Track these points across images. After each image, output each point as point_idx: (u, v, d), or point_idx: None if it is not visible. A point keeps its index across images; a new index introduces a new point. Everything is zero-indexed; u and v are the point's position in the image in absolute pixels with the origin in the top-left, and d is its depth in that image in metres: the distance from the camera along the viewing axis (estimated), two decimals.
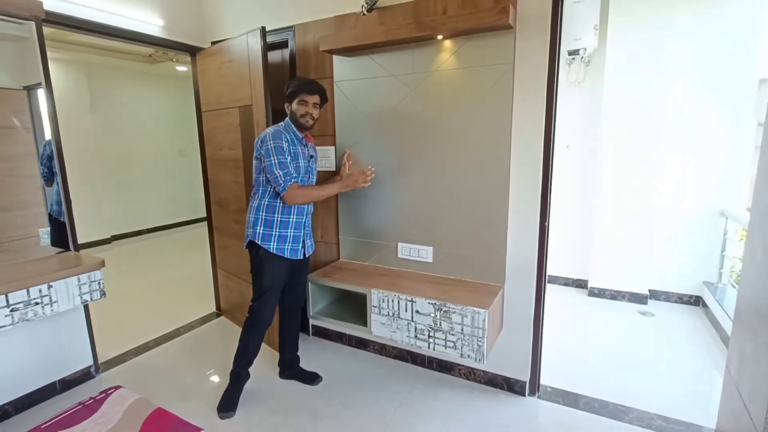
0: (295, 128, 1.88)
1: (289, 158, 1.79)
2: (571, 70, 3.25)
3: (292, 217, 1.89)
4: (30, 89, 2.11)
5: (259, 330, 1.95)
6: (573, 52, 2.99)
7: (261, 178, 1.87)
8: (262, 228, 1.87)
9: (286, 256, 1.90)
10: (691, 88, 2.94)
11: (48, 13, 1.96)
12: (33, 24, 1.92)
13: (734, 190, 2.96)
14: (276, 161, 1.76)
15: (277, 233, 1.87)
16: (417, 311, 1.84)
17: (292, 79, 1.97)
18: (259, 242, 1.86)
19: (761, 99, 2.86)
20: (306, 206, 1.93)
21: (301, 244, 1.94)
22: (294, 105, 1.85)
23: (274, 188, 1.82)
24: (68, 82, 4.76)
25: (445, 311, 1.78)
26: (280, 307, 2.06)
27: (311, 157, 1.98)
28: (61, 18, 2.07)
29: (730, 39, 2.81)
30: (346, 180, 1.98)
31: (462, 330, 1.75)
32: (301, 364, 2.22)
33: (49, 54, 2.03)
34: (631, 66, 2.97)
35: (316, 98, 1.86)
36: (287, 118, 1.91)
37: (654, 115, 2.97)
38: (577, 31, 2.85)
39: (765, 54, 2.79)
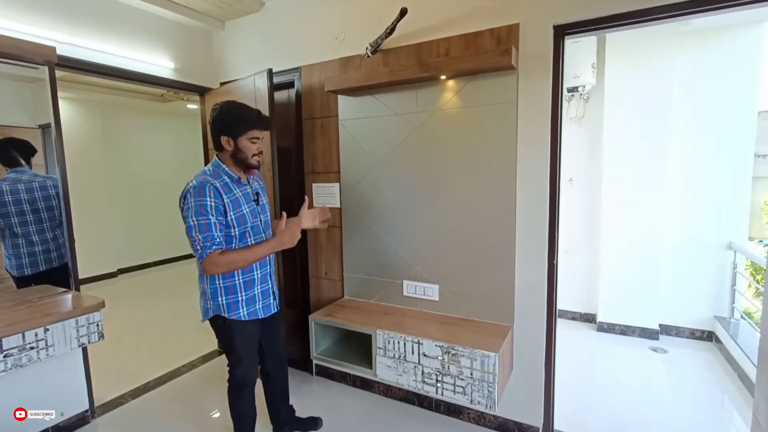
0: (229, 169, 1.56)
1: (213, 219, 1.45)
2: (570, 106, 3.31)
3: (255, 273, 1.63)
4: (44, 128, 2.15)
5: (246, 392, 1.72)
6: (572, 90, 3.05)
7: None
8: (224, 298, 1.58)
9: (260, 317, 1.67)
10: (690, 121, 2.98)
11: (61, 58, 2.02)
12: (46, 68, 1.98)
13: (737, 221, 2.94)
14: (195, 223, 1.43)
15: (243, 298, 1.61)
16: (424, 354, 1.78)
17: (227, 107, 1.54)
18: (226, 315, 1.59)
19: (761, 131, 2.89)
20: (262, 232, 1.65)
21: (272, 296, 1.73)
22: (242, 141, 1.52)
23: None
24: (83, 120, 4.88)
25: (453, 354, 1.72)
26: (261, 366, 1.84)
27: (257, 195, 1.66)
28: (74, 62, 2.13)
29: (728, 73, 2.87)
30: (281, 236, 1.58)
31: (471, 374, 1.69)
32: (304, 406, 2.12)
33: (65, 93, 2.09)
34: (629, 101, 3.02)
35: (267, 133, 1.59)
36: (216, 158, 1.57)
37: (654, 148, 2.99)
38: (576, 69, 2.93)
39: (763, 87, 2.85)
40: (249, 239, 1.59)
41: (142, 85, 2.55)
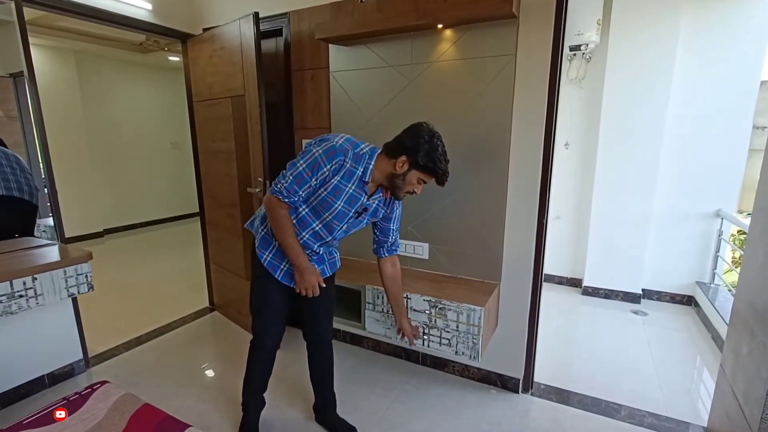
0: (371, 171, 1.39)
1: (313, 181, 1.35)
2: (571, 66, 3.19)
3: (303, 233, 1.46)
4: (16, 76, 2.04)
5: (260, 355, 1.65)
6: (574, 48, 2.93)
7: None
8: (264, 229, 1.51)
9: (277, 277, 1.52)
10: (692, 89, 2.90)
11: None
12: (12, 4, 1.83)
13: (729, 193, 2.94)
14: (300, 168, 1.34)
15: (276, 244, 1.49)
16: (412, 308, 1.81)
17: (434, 139, 1.38)
18: (256, 244, 1.54)
19: (761, 101, 2.84)
20: (331, 234, 1.48)
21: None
22: (413, 174, 1.38)
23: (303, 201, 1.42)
24: (57, 70, 4.60)
25: (440, 308, 1.76)
26: (304, 337, 1.73)
27: (365, 210, 1.47)
28: None
29: (734, 40, 2.77)
30: (309, 272, 1.44)
31: (457, 327, 1.73)
32: (293, 360, 2.17)
33: (37, 41, 1.96)
34: (632, 63, 2.92)
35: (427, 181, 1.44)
36: (377, 154, 1.41)
37: (653, 115, 2.93)
38: (580, 25, 2.80)
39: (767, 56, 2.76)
40: (318, 225, 1.45)
41: (118, 27, 2.37)
